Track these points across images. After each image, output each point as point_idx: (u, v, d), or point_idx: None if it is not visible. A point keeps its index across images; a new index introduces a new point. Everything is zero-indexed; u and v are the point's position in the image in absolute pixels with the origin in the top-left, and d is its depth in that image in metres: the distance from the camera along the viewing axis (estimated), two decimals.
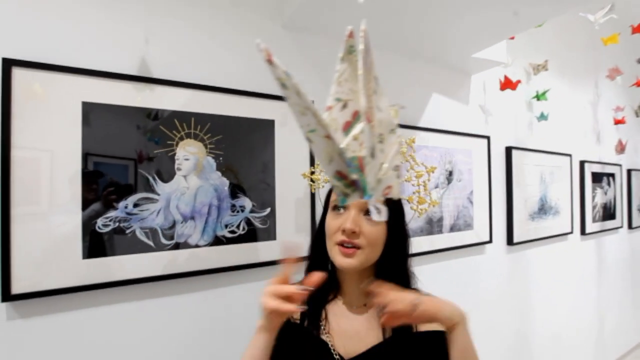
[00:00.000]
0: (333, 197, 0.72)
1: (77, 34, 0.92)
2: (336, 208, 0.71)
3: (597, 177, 2.78)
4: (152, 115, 1.00)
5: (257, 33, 1.21)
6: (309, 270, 0.78)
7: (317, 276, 0.57)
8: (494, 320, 1.91)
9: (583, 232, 2.61)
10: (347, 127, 0.45)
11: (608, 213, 2.91)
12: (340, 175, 0.43)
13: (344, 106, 0.46)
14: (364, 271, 0.70)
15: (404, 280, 0.72)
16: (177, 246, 1.03)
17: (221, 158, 1.11)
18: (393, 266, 0.71)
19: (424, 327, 0.69)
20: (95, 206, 0.92)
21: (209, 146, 1.09)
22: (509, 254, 2.05)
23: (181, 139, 1.05)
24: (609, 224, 2.92)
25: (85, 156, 0.91)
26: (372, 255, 0.68)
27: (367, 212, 0.68)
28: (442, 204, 1.69)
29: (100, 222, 0.92)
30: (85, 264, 0.90)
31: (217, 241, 1.09)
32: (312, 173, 1.13)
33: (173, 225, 1.02)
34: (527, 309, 2.16)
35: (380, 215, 0.43)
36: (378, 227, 0.68)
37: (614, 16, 1.56)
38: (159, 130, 1.01)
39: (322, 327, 0.71)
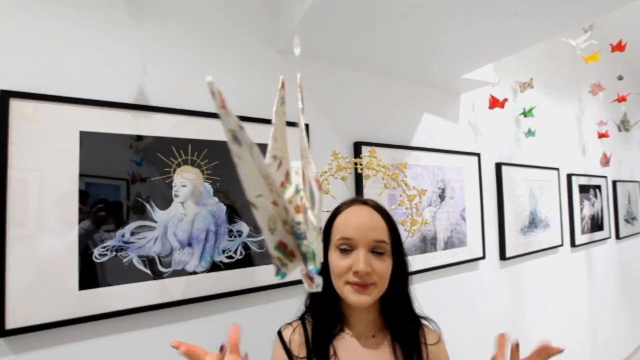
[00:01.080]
0: (336, 235, 0.71)
1: (75, 63, 0.93)
2: (343, 248, 0.69)
3: (584, 189, 2.84)
4: (149, 142, 1.01)
5: (253, 58, 1.23)
6: (312, 305, 0.78)
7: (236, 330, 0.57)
8: (489, 335, 1.92)
9: (573, 244, 2.66)
10: (282, 187, 0.43)
11: (596, 224, 2.98)
12: (282, 246, 0.40)
13: (279, 165, 0.44)
14: (371, 304, 0.71)
15: (406, 303, 0.73)
16: (174, 274, 1.02)
17: (218, 183, 1.11)
18: (397, 293, 0.72)
19: (435, 359, 0.70)
20: (90, 227, 0.91)
21: (205, 172, 1.09)
22: (502, 268, 2.07)
23: (178, 165, 1.05)
24: (598, 235, 2.98)
25: (80, 178, 0.90)
26: (383, 288, 0.69)
27: (373, 250, 0.68)
28: (436, 221, 1.71)
29: (97, 251, 0.92)
30: (81, 295, 0.89)
31: (215, 267, 1.09)
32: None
33: (170, 253, 1.02)
34: (521, 323, 2.17)
35: (317, 286, 0.39)
36: (385, 261, 0.69)
37: (594, 42, 1.64)
38: (156, 157, 1.02)
39: None
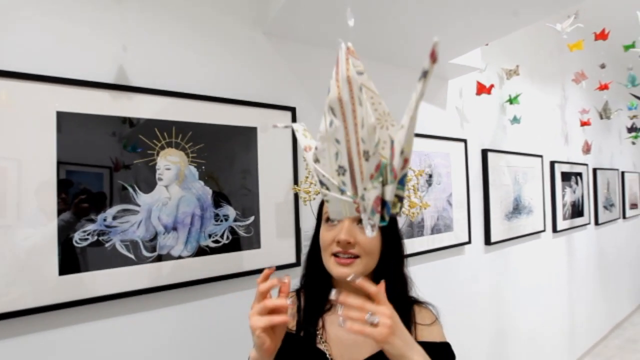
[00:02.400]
0: (325, 209, 0.72)
1: (52, 41, 0.89)
2: (329, 220, 0.70)
3: (566, 177, 2.91)
4: (130, 124, 0.98)
5: (237, 39, 1.20)
6: (307, 282, 0.78)
7: (288, 280, 0.60)
8: (474, 318, 1.97)
9: (555, 229, 2.73)
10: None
11: (577, 211, 3.06)
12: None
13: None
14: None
15: (401, 285, 0.73)
16: (159, 258, 1.00)
17: (203, 167, 1.09)
18: (390, 273, 0.71)
19: (425, 338, 0.70)
20: (71, 218, 0.88)
21: (190, 155, 1.07)
22: (487, 253, 2.12)
23: (162, 148, 1.02)
24: (578, 221, 3.06)
25: (59, 166, 0.87)
26: (370, 264, 0.68)
27: (360, 222, 0.68)
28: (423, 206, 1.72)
29: (77, 235, 0.89)
30: (62, 281, 0.87)
31: (201, 251, 1.07)
32: (298, 184, 1.12)
33: (155, 237, 1.00)
34: (505, 306, 2.23)
35: (374, 230, 0.45)
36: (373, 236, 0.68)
37: (580, 25, 1.65)
38: (138, 140, 0.99)
39: (320, 336, 0.70)
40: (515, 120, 2.28)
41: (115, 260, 0.94)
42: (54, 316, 0.86)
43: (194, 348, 1.07)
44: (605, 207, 3.55)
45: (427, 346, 0.70)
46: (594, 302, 3.29)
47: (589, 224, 3.24)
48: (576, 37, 2.29)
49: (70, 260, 0.88)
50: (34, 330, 0.84)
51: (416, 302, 0.76)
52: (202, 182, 1.08)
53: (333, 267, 0.68)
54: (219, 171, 1.11)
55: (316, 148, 0.49)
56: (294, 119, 1.29)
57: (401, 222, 0.82)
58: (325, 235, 0.70)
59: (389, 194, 0.44)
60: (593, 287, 3.30)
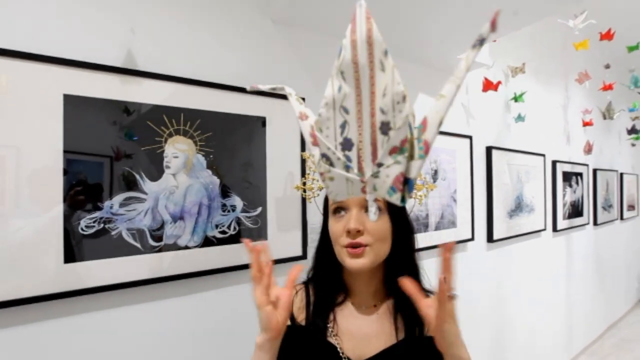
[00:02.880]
0: (331, 201, 0.70)
1: (58, 22, 0.86)
2: (337, 211, 0.68)
3: (566, 177, 2.92)
4: (139, 110, 0.95)
5: (246, 26, 1.18)
6: (315, 274, 0.76)
7: (298, 267, 0.60)
8: (475, 315, 1.97)
9: (555, 228, 2.74)
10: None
11: (576, 211, 3.07)
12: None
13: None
14: (374, 270, 0.68)
15: (413, 274, 0.71)
16: (165, 248, 0.98)
17: (212, 156, 1.07)
18: (401, 261, 0.69)
19: None
20: (77, 205, 0.86)
21: (199, 143, 1.05)
22: (489, 250, 2.11)
23: (170, 135, 1.00)
24: (577, 221, 3.08)
25: (65, 152, 0.84)
26: (381, 251, 0.66)
27: (367, 209, 0.66)
28: (428, 202, 1.71)
29: (83, 223, 0.87)
30: (67, 269, 0.84)
31: (208, 242, 1.05)
32: (304, 184, 1.09)
33: (162, 226, 0.98)
34: (506, 303, 2.24)
35: (376, 214, 0.44)
36: (382, 222, 0.66)
37: (593, 21, 1.64)
38: (146, 126, 0.96)
39: (331, 330, 0.69)
40: (519, 118, 2.28)
41: (122, 249, 0.92)
42: (58, 305, 0.84)
43: (200, 339, 1.05)
44: (603, 208, 3.57)
45: None
46: (591, 301, 3.31)
47: (588, 224, 3.26)
48: (582, 37, 2.28)
49: (76, 248, 0.86)
50: (37, 319, 0.82)
51: (429, 292, 0.74)
52: (209, 171, 1.06)
53: (345, 259, 0.66)
54: (227, 160, 1.09)
55: (320, 115, 0.44)
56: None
57: (411, 205, 0.80)
58: (335, 227, 0.68)
59: (415, 170, 0.40)
60: (590, 286, 3.32)
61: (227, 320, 1.10)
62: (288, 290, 0.60)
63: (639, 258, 4.59)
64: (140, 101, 0.95)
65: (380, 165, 0.40)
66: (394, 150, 0.39)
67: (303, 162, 1.26)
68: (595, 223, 3.40)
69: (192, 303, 1.04)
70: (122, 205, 0.92)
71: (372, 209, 0.44)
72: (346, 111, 0.40)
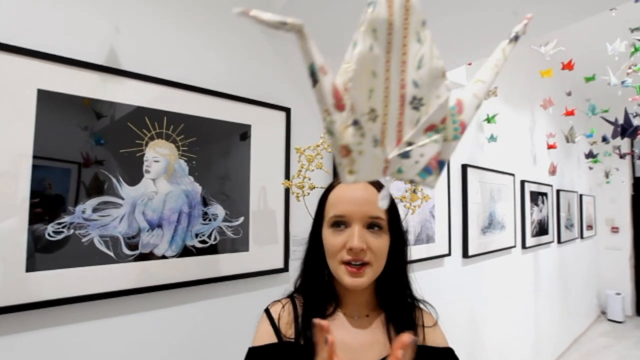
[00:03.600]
0: (329, 212, 0.67)
1: (38, 13, 0.81)
2: (336, 224, 0.65)
3: (533, 196, 3.06)
4: (120, 110, 0.91)
5: (235, 34, 1.16)
6: (304, 284, 0.73)
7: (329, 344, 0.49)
8: (450, 330, 1.97)
9: (524, 246, 2.85)
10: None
11: (542, 229, 3.21)
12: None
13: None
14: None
15: (403, 283, 0.70)
16: (141, 257, 0.92)
17: (194, 162, 1.03)
18: (393, 275, 0.68)
19: (431, 343, 0.68)
20: (46, 208, 0.79)
21: (181, 148, 1.00)
22: (464, 266, 2.15)
23: (151, 138, 0.95)
24: (544, 238, 3.22)
25: (35, 148, 0.78)
26: (379, 268, 0.65)
27: (369, 226, 0.64)
28: (409, 217, 1.73)
29: (51, 228, 0.80)
30: (30, 278, 0.77)
31: (187, 252, 1.00)
32: (292, 181, 1.07)
33: (138, 234, 0.92)
34: (480, 317, 2.27)
35: (385, 201, 0.37)
36: (382, 238, 0.64)
37: (562, 48, 1.77)
38: (126, 128, 0.91)
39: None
40: (492, 138, 2.38)
41: (92, 257, 0.85)
42: (17, 318, 0.76)
43: (176, 356, 0.98)
44: (566, 227, 3.76)
45: (433, 352, 0.68)
46: (556, 317, 3.43)
47: (552, 242, 3.41)
48: (547, 65, 2.45)
49: (41, 255, 0.78)
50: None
51: (419, 303, 0.74)
52: (191, 178, 1.02)
53: (344, 276, 0.63)
54: (210, 167, 1.06)
55: (353, 71, 0.35)
56: (288, 120, 1.26)
57: (404, 213, 0.79)
58: (333, 240, 0.64)
59: (450, 151, 0.36)
60: (556, 302, 3.45)
61: (205, 335, 1.04)
62: None
63: (597, 276, 4.85)
64: (122, 102, 0.91)
65: (410, 144, 0.35)
66: (431, 128, 0.35)
67: (288, 170, 1.24)
68: (559, 241, 3.57)
69: (168, 317, 0.98)
70: (95, 210, 0.86)
71: (385, 192, 0.38)
72: (375, 75, 0.34)
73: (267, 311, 0.71)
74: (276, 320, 0.68)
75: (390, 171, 0.35)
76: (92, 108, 0.86)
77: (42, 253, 0.78)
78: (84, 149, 0.85)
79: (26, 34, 0.79)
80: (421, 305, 0.73)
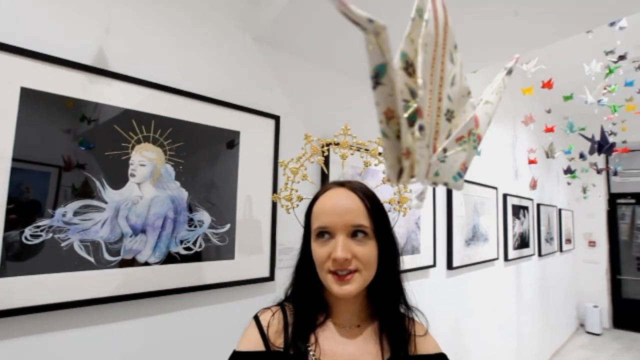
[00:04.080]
0: (314, 224, 0.66)
1: (24, 9, 0.79)
2: (320, 235, 0.65)
3: (515, 209, 3.13)
4: (106, 112, 0.89)
5: (226, 40, 1.17)
6: (295, 293, 0.72)
7: None
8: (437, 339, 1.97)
9: (506, 258, 2.89)
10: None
11: (523, 242, 3.28)
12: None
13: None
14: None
15: (395, 291, 0.69)
16: (123, 263, 0.89)
17: (181, 167, 1.01)
18: (384, 282, 0.67)
19: (423, 351, 0.67)
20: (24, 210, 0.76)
21: (168, 153, 0.99)
22: (448, 277, 2.17)
23: (138, 142, 0.94)
24: (525, 251, 3.28)
25: (15, 147, 0.76)
26: (369, 276, 0.64)
27: (353, 234, 0.64)
28: (394, 228, 1.74)
29: (28, 231, 0.77)
30: (4, 283, 0.73)
31: (171, 258, 0.97)
32: (280, 194, 1.05)
33: (120, 239, 0.89)
34: (464, 329, 2.28)
35: (422, 202, 0.39)
36: (368, 246, 0.64)
37: (543, 67, 1.84)
38: (112, 130, 0.90)
39: (312, 353, 0.64)
40: (477, 152, 2.43)
41: (71, 263, 0.82)
42: None
43: None
44: (546, 240, 3.85)
45: (433, 358, 0.67)
46: (537, 329, 3.48)
47: (533, 254, 3.48)
48: (528, 83, 2.55)
49: (16, 259, 0.75)
50: None
51: (410, 312, 0.73)
52: (178, 183, 1.00)
53: (332, 285, 0.63)
54: (197, 173, 1.04)
55: (421, 78, 0.37)
56: (277, 128, 1.26)
57: (394, 217, 0.79)
58: (319, 251, 0.64)
59: (471, 160, 0.41)
60: (538, 314, 3.50)
61: (188, 344, 1.01)
62: None
63: (576, 288, 4.96)
64: (109, 103, 0.89)
65: (445, 150, 0.39)
66: (460, 139, 0.39)
67: (275, 181, 1.23)
68: (539, 254, 3.65)
69: (150, 325, 0.94)
70: (76, 213, 0.83)
71: (420, 194, 0.39)
72: (424, 86, 0.37)
73: (256, 318, 0.70)
74: (265, 329, 0.67)
75: (430, 174, 0.38)
76: (77, 109, 0.84)
77: (16, 258, 0.75)
78: (66, 151, 0.82)
79: (11, 31, 0.77)
80: (412, 315, 0.72)
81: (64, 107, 0.83)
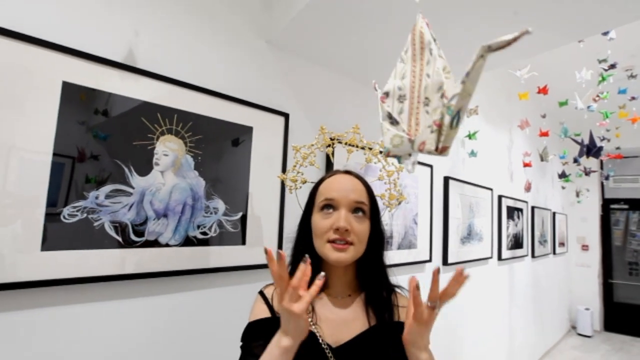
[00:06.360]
0: (319, 198, 0.76)
1: (64, 12, 0.88)
2: (325, 207, 0.75)
3: (509, 211, 3.23)
4: (135, 106, 0.98)
5: (242, 43, 1.26)
6: (294, 269, 0.81)
7: (307, 264, 0.61)
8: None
9: (500, 257, 2.99)
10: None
11: (517, 243, 3.38)
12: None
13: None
14: (348, 265, 0.75)
15: (380, 269, 0.79)
16: (147, 244, 0.98)
17: (200, 157, 1.10)
18: (372, 260, 0.77)
19: (404, 319, 0.76)
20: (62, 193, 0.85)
21: (189, 144, 1.08)
22: (443, 273, 2.25)
23: (162, 133, 1.03)
24: (518, 252, 3.38)
25: (57, 137, 0.84)
26: (360, 250, 0.74)
27: (354, 211, 0.74)
28: (392, 223, 1.83)
29: (66, 211, 0.85)
30: (44, 257, 0.82)
31: (188, 241, 1.06)
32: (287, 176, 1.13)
33: (145, 222, 0.98)
34: (456, 325, 2.37)
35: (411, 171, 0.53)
36: (364, 223, 0.74)
37: (535, 73, 1.94)
38: (140, 122, 0.98)
39: (310, 319, 0.73)
40: (472, 154, 2.53)
41: (102, 241, 0.91)
42: (32, 294, 0.81)
43: (174, 339, 1.03)
44: (540, 242, 3.95)
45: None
46: (529, 329, 3.58)
47: (527, 255, 3.58)
48: (524, 89, 2.65)
49: (56, 236, 0.84)
50: (7, 308, 0.78)
51: (396, 286, 0.82)
52: (196, 172, 1.09)
53: (330, 252, 0.72)
54: (214, 164, 1.13)
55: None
56: (287, 124, 1.35)
57: (383, 210, 0.89)
58: (321, 222, 0.73)
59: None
60: (530, 314, 3.60)
61: (205, 320, 1.10)
62: (319, 282, 0.61)
63: (568, 291, 5.06)
64: (137, 97, 0.98)
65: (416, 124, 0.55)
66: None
67: (284, 171, 1.32)
68: (533, 255, 3.75)
69: (173, 301, 1.03)
70: (108, 196, 0.92)
71: (411, 164, 0.56)
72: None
73: (261, 292, 0.79)
74: (270, 299, 0.76)
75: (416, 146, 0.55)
76: (110, 102, 0.93)
77: (56, 234, 0.84)
78: (98, 140, 0.91)
79: (53, 29, 0.86)
80: (397, 290, 0.82)
81: (96, 99, 0.91)
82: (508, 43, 0.39)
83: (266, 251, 0.60)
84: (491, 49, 0.41)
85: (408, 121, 0.55)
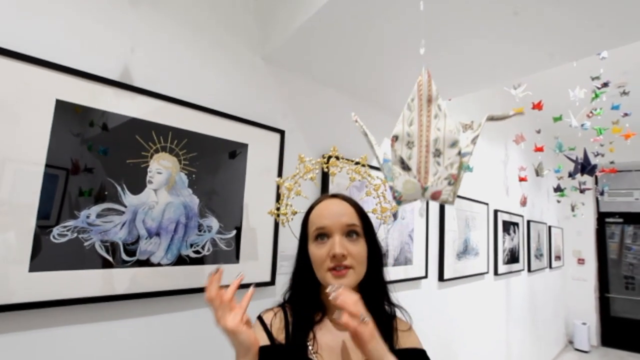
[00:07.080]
0: (312, 228, 0.76)
1: (60, 31, 0.88)
2: (318, 237, 0.74)
3: (505, 225, 3.23)
4: (129, 123, 0.97)
5: (238, 60, 1.27)
6: (293, 295, 0.79)
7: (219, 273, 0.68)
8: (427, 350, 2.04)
9: (496, 272, 2.97)
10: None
11: (513, 257, 3.37)
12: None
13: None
14: (351, 289, 0.74)
15: (382, 290, 0.78)
16: (138, 263, 0.96)
17: (194, 175, 1.09)
18: (374, 280, 0.76)
19: (406, 345, 0.75)
20: (52, 215, 0.84)
21: (183, 162, 1.07)
22: (439, 289, 2.24)
23: (156, 151, 1.02)
24: (514, 266, 3.37)
25: (49, 153, 0.83)
26: (361, 271, 0.73)
27: (348, 234, 0.73)
28: (388, 238, 1.82)
29: (56, 231, 0.84)
30: (32, 278, 0.80)
31: (181, 260, 1.05)
32: (278, 209, 1.12)
33: (137, 241, 0.96)
34: (453, 340, 2.34)
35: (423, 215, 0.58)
36: (360, 244, 0.74)
37: (530, 93, 1.96)
38: (134, 140, 0.98)
39: (310, 347, 0.72)
40: (468, 168, 2.54)
41: (93, 261, 0.89)
42: (20, 316, 0.79)
43: (169, 359, 1.01)
44: (536, 256, 3.94)
45: (407, 353, 0.75)
46: (526, 344, 3.54)
47: (523, 270, 3.57)
48: (519, 104, 2.68)
49: (45, 256, 0.82)
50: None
51: (396, 309, 0.81)
52: (190, 190, 1.08)
53: (331, 280, 0.71)
54: (208, 181, 1.12)
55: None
56: (282, 141, 1.35)
57: (377, 224, 0.89)
58: (318, 252, 0.73)
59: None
60: (527, 329, 3.57)
61: (193, 343, 1.07)
62: (251, 290, 0.69)
63: (565, 305, 5.04)
64: (132, 115, 0.98)
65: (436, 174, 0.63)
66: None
67: (279, 188, 1.31)
68: (529, 270, 3.73)
69: (164, 321, 1.01)
70: (99, 215, 0.90)
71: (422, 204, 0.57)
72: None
73: (260, 318, 0.77)
74: (269, 326, 0.74)
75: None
76: (103, 120, 0.93)
77: (45, 254, 0.82)
78: (90, 158, 0.90)
79: (47, 47, 0.86)
80: (397, 313, 0.81)
81: (89, 116, 0.91)
82: (505, 117, 0.53)
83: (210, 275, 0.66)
84: (493, 118, 0.54)
85: (417, 168, 0.61)
